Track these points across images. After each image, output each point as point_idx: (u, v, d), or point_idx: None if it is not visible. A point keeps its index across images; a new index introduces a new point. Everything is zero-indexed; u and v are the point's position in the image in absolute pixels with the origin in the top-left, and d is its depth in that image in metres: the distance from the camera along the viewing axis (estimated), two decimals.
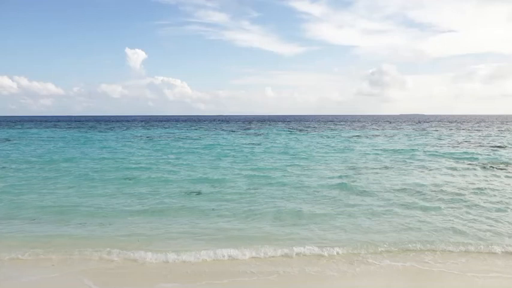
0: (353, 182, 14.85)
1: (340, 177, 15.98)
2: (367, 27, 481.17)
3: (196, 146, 31.35)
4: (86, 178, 15.66)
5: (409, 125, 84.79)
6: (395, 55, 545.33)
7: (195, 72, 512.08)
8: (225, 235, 8.68)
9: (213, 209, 10.78)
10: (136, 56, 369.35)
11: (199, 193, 12.86)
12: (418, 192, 13.09)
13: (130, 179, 15.39)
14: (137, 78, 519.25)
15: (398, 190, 13.38)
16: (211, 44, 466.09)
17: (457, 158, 22.49)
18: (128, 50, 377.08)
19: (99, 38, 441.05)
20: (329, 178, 15.92)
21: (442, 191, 13.28)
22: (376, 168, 18.55)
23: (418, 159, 22.20)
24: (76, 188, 13.82)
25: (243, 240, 8.30)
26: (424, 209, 10.89)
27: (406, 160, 21.83)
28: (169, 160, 21.90)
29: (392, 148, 28.89)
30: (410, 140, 38.42)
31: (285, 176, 16.36)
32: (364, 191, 13.18)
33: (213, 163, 20.68)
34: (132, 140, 39.47)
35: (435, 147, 29.45)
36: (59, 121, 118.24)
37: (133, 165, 19.36)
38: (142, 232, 8.90)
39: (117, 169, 18.11)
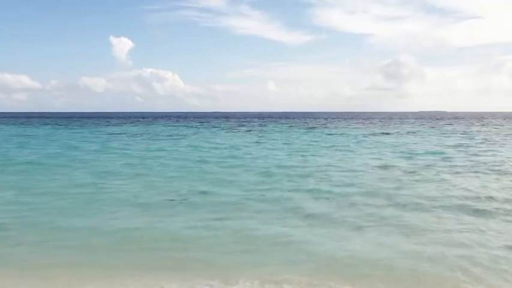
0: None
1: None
2: (382, 13, 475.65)
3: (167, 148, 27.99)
4: None
5: (430, 122, 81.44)
6: (414, 45, 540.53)
7: (188, 63, 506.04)
8: None
9: None
10: (122, 45, 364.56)
11: None
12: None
13: None
14: (123, 70, 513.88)
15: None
16: (206, 31, 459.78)
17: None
18: (112, 39, 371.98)
19: (80, 24, 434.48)
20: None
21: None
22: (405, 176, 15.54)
23: (456, 165, 18.90)
24: None
25: None
26: None
27: (441, 165, 18.79)
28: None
29: (418, 150, 25.71)
30: (437, 140, 35.11)
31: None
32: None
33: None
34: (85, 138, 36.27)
35: (469, 149, 26.00)
36: (29, 118, 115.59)
37: None
38: None
39: None
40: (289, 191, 13.17)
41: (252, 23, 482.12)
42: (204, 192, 12.83)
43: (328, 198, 12.14)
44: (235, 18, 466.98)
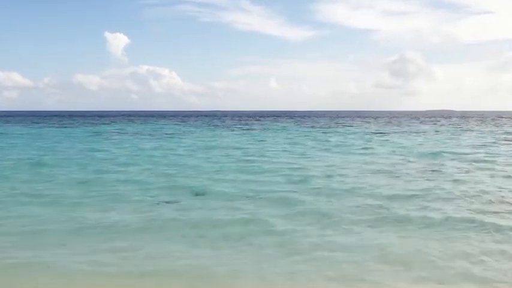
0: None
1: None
2: (388, 8, 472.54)
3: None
4: None
5: (439, 121, 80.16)
6: (421, 41, 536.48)
7: (186, 60, 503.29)
8: None
9: None
10: (118, 41, 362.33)
11: None
12: None
13: None
14: (118, 67, 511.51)
15: None
16: (206, 27, 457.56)
17: None
18: (107, 34, 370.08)
19: (73, 19, 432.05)
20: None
21: None
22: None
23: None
24: None
25: None
26: None
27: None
28: None
29: (428, 151, 24.61)
30: (447, 140, 33.96)
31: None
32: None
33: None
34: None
35: (483, 150, 24.89)
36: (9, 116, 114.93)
37: None
38: None
39: None
40: (279, 204, 11.54)
41: (253, 19, 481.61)
42: (182, 208, 11.31)
43: (321, 211, 10.72)
44: (236, 13, 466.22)
